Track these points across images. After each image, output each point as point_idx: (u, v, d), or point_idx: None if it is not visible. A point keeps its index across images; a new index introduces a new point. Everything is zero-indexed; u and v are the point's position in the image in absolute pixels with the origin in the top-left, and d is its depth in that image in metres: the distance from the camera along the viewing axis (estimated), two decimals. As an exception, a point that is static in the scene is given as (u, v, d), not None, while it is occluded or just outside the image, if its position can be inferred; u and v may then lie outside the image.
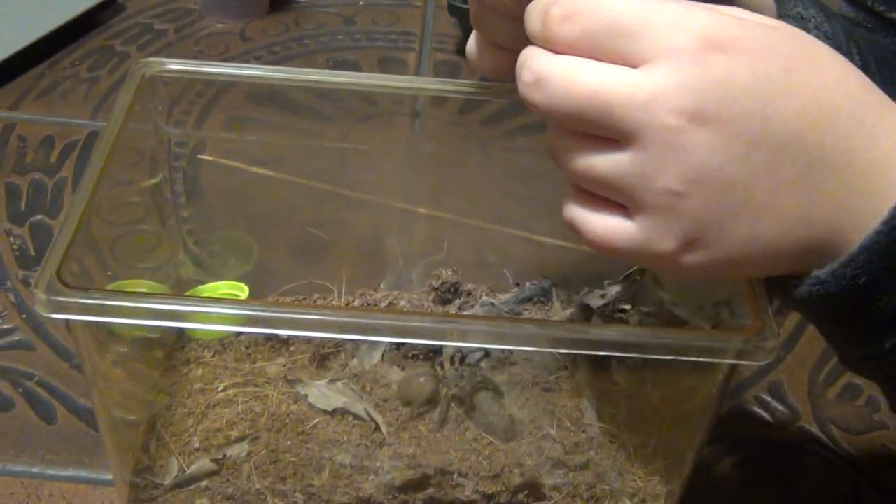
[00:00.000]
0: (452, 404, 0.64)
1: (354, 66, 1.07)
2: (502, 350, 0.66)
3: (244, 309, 0.51)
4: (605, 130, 0.43)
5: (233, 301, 0.51)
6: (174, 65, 0.66)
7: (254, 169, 0.87)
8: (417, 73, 1.07)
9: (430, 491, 0.61)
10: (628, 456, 0.64)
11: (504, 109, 0.96)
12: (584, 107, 0.42)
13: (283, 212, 0.81)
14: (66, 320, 0.54)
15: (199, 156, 0.90)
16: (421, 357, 0.67)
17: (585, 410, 0.65)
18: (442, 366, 0.65)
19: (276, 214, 0.81)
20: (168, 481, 0.62)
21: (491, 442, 0.63)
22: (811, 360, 0.81)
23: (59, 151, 0.93)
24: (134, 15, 1.11)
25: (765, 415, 0.76)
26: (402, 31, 1.13)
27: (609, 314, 0.73)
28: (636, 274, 0.75)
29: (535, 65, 0.43)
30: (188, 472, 0.62)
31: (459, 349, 0.65)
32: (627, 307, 0.74)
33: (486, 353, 0.66)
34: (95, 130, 0.94)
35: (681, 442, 0.63)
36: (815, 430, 0.76)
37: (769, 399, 0.77)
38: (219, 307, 0.51)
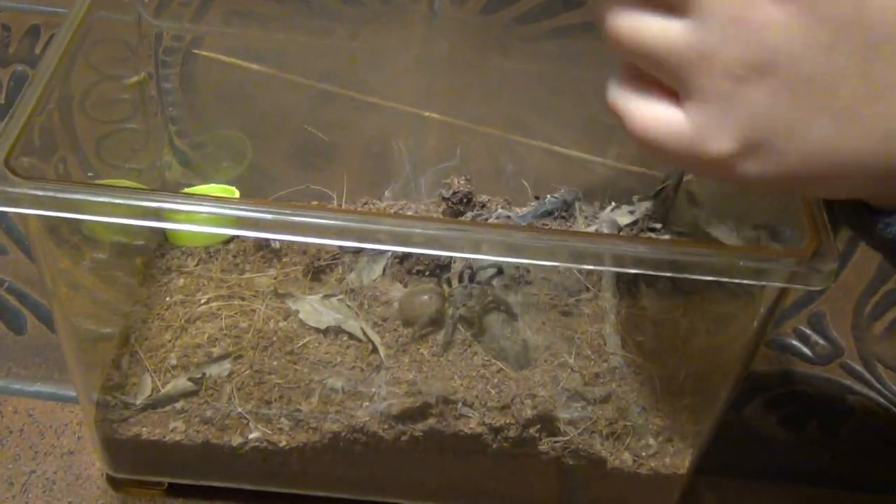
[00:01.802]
0: (459, 326, 0.57)
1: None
2: (517, 266, 0.59)
3: (227, 208, 0.44)
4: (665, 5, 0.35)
5: (214, 198, 0.44)
6: (158, -63, 0.59)
7: (253, 66, 0.79)
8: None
9: (431, 422, 0.54)
10: (654, 390, 0.57)
11: (530, 11, 0.88)
12: None
13: (282, 113, 0.74)
14: (21, 216, 0.48)
15: (194, 51, 0.83)
16: (426, 273, 0.60)
17: (608, 338, 0.58)
18: (449, 283, 0.58)
19: (274, 115, 0.74)
20: (140, 401, 0.56)
21: (501, 369, 0.56)
22: (856, 291, 0.74)
23: (44, 42, 0.86)
24: None
25: (804, 349, 0.69)
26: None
27: (638, 231, 0.66)
28: (669, 189, 0.67)
29: None
30: (163, 391, 0.56)
31: (469, 265, 0.58)
32: (658, 226, 0.67)
33: (499, 270, 0.59)
34: (85, 22, 0.87)
35: (714, 377, 0.56)
36: (858, 367, 0.69)
37: (809, 332, 0.71)
38: (198, 205, 0.44)
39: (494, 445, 0.55)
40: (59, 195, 0.44)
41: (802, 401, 0.66)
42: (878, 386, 0.67)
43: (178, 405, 0.56)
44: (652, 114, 0.38)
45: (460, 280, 0.58)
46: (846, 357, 0.69)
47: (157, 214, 0.44)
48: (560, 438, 0.54)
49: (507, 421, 0.54)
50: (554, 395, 0.55)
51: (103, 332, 0.59)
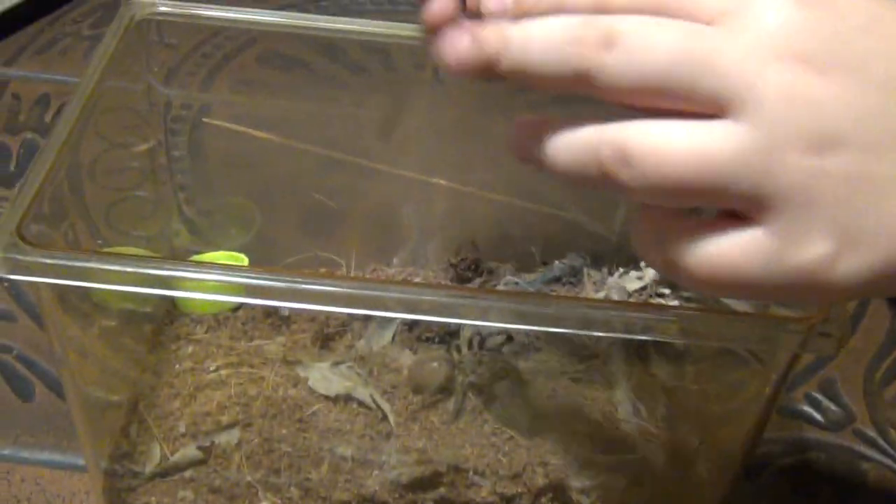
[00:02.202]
0: (469, 393, 0.57)
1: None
2: (527, 334, 0.59)
3: (236, 276, 0.44)
4: (698, 104, 0.32)
5: (223, 266, 0.44)
6: (166, 6, 0.60)
7: (261, 134, 0.80)
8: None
9: (442, 490, 0.54)
10: (667, 457, 0.57)
11: (534, 78, 0.89)
12: (667, 70, 0.32)
13: (289, 180, 0.74)
14: (32, 284, 0.48)
15: (203, 119, 0.84)
16: (436, 340, 0.60)
17: (619, 405, 0.58)
18: (458, 350, 0.58)
19: (282, 183, 0.74)
20: (149, 469, 0.56)
21: (511, 437, 0.56)
22: (866, 357, 0.73)
23: (54, 111, 0.87)
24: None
25: (816, 415, 0.69)
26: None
27: (647, 298, 0.66)
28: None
29: (601, 23, 0.33)
30: (171, 459, 0.56)
31: (478, 332, 0.58)
32: (667, 291, 0.67)
33: (509, 337, 0.59)
34: (94, 90, 0.87)
35: (728, 444, 0.56)
36: (871, 432, 0.68)
37: (821, 398, 0.70)
38: (207, 273, 0.44)
39: (506, 515, 0.54)
40: (70, 263, 0.44)
41: (816, 468, 0.66)
42: (892, 452, 0.67)
43: (187, 474, 0.56)
44: (719, 251, 0.33)
45: (470, 347, 0.58)
46: (858, 423, 0.69)
47: (167, 283, 0.44)
48: (572, 506, 0.54)
49: (519, 490, 0.54)
50: (566, 464, 0.54)
51: (112, 399, 0.59)
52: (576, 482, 0.54)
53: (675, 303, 0.66)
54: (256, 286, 0.43)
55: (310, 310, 0.59)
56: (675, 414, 0.58)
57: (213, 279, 0.44)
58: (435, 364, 0.57)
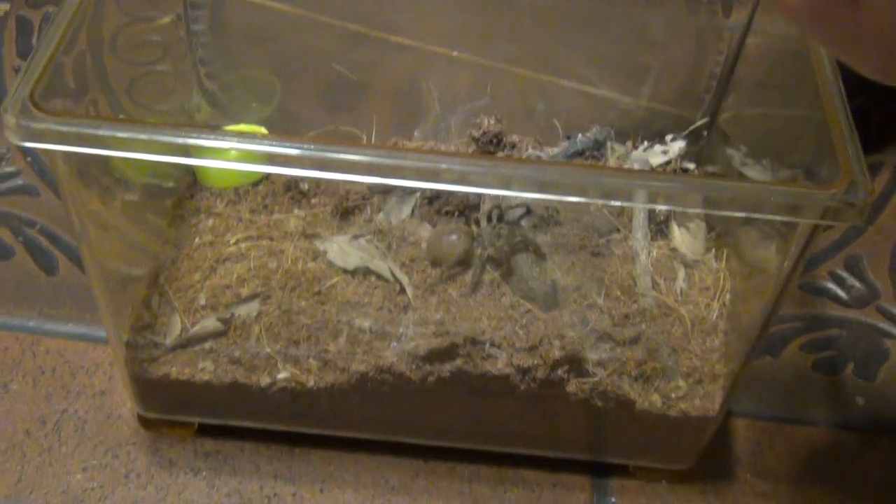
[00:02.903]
0: (487, 266, 0.57)
1: None
2: (546, 206, 0.59)
3: (257, 144, 0.43)
4: None
5: (243, 135, 0.43)
6: None
7: (282, 6, 0.79)
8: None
9: (458, 362, 0.54)
10: (685, 331, 0.56)
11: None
12: None
13: (311, 53, 0.73)
14: (50, 156, 0.48)
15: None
16: (455, 214, 0.59)
17: (638, 279, 0.58)
18: (478, 223, 0.58)
19: (303, 56, 0.73)
20: (169, 341, 0.56)
21: (529, 310, 0.55)
22: (894, 235, 0.72)
23: (75, -16, 0.85)
24: None
25: (840, 292, 0.68)
26: None
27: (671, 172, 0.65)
28: (702, 128, 0.66)
29: None
30: (192, 331, 0.56)
31: (497, 205, 0.58)
32: (692, 166, 0.66)
33: (528, 210, 0.58)
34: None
35: (744, 317, 0.56)
36: (895, 309, 0.68)
37: (845, 275, 0.69)
38: (225, 140, 0.43)
39: (522, 387, 0.54)
40: (85, 130, 0.43)
41: (838, 345, 0.65)
42: (916, 329, 0.66)
43: (207, 345, 0.56)
44: None
45: (489, 220, 0.57)
46: (882, 300, 0.68)
47: (188, 151, 0.43)
48: (588, 379, 0.54)
49: (535, 362, 0.54)
50: (583, 337, 0.54)
51: (133, 273, 0.59)
52: (592, 355, 0.54)
53: (700, 177, 0.65)
54: (277, 154, 0.43)
55: (329, 178, 0.58)
56: (694, 288, 0.58)
57: (233, 146, 0.43)
58: (454, 237, 0.57)
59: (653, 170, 0.63)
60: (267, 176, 0.64)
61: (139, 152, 0.44)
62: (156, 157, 0.44)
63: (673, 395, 0.55)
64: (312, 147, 0.43)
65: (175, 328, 0.57)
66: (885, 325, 0.67)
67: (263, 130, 0.67)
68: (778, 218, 0.44)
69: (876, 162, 0.76)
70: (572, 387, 0.54)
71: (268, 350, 0.56)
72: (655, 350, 0.55)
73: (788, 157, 0.56)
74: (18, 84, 0.45)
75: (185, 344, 0.56)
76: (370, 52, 0.74)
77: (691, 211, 0.61)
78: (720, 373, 0.55)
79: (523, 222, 0.58)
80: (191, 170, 0.64)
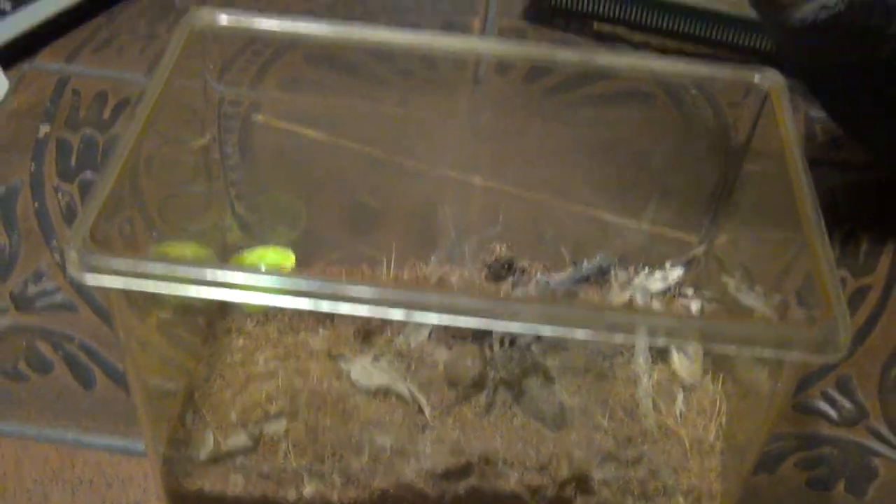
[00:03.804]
0: (500, 388, 0.61)
1: (417, 29, 1.03)
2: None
3: (287, 280, 0.48)
4: None
5: (276, 272, 0.48)
6: (226, 18, 0.63)
7: (307, 132, 0.84)
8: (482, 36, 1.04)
9: (473, 480, 0.58)
10: (684, 451, 0.60)
11: (569, 79, 0.92)
12: None
13: (334, 178, 0.79)
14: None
15: (253, 116, 0.88)
16: (469, 337, 0.64)
17: (641, 401, 0.62)
18: (491, 347, 0.62)
19: (327, 180, 0.79)
20: (203, 455, 0.60)
21: (539, 430, 0.59)
22: (883, 355, 0.77)
23: (112, 107, 0.91)
24: (196, -31, 1.09)
25: (831, 411, 0.72)
26: (467, -6, 1.10)
27: (670, 298, 0.69)
28: (699, 257, 0.71)
29: None
30: (224, 447, 0.60)
31: (509, 331, 0.62)
32: (689, 292, 0.70)
33: (538, 336, 0.62)
34: (149, 87, 0.92)
35: (741, 439, 0.60)
36: (883, 429, 0.71)
37: (836, 395, 0.73)
38: (262, 277, 0.48)
39: None
40: (136, 268, 0.48)
41: (830, 462, 0.69)
42: (903, 448, 0.70)
43: (238, 461, 0.60)
44: None
45: (501, 345, 0.62)
46: (871, 419, 0.72)
47: (223, 284, 0.48)
48: (593, 497, 0.58)
49: (545, 481, 0.58)
50: (589, 456, 0.58)
51: (169, 388, 0.63)
52: (598, 474, 0.58)
53: (697, 302, 0.69)
54: (300, 289, 0.47)
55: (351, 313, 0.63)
56: (693, 410, 0.62)
57: (263, 284, 0.48)
58: (469, 360, 0.61)
59: (653, 297, 0.67)
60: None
61: (183, 285, 0.48)
62: (199, 294, 0.48)
63: (673, 513, 0.59)
64: (334, 283, 0.47)
65: (208, 443, 0.61)
66: (873, 444, 0.70)
67: (290, 253, 0.72)
68: (764, 352, 0.48)
69: (865, 285, 0.80)
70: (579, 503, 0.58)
71: (294, 465, 0.60)
72: (657, 470, 0.59)
73: (780, 283, 0.61)
74: (80, 221, 0.49)
75: (217, 459, 0.60)
76: (390, 177, 0.79)
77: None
78: (717, 491, 0.59)
79: (533, 347, 0.62)
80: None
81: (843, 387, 0.74)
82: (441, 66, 0.87)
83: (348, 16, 1.05)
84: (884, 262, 0.83)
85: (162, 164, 0.68)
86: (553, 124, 0.87)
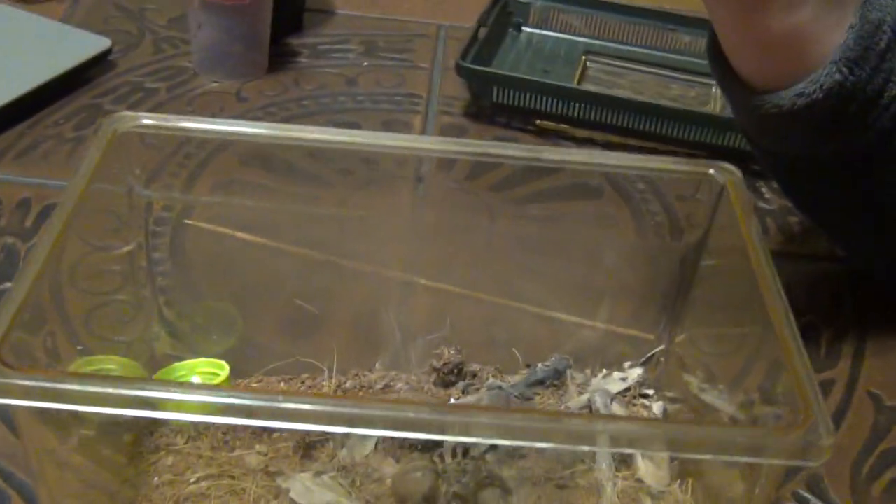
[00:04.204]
0: (454, 502, 0.56)
1: (357, 128, 1.00)
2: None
3: (220, 397, 0.44)
4: None
5: (204, 387, 0.44)
6: (150, 120, 0.60)
7: (242, 235, 0.80)
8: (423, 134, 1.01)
9: None
10: (654, 565, 0.56)
11: (514, 175, 0.89)
12: None
13: (271, 282, 0.74)
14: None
15: (184, 220, 0.84)
16: (419, 448, 0.59)
17: (605, 511, 0.57)
18: (442, 458, 0.58)
19: (264, 285, 0.74)
20: (127, 589, 0.55)
21: (497, 547, 0.55)
22: (852, 453, 0.73)
23: (35, 215, 0.86)
24: (125, 73, 1.05)
25: (804, 514, 0.68)
26: (407, 93, 1.07)
27: (630, 399, 0.66)
28: (659, 355, 0.68)
29: None
30: (151, 578, 0.55)
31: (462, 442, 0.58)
32: (650, 392, 0.66)
33: (493, 444, 0.58)
34: (76, 193, 0.87)
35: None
36: (860, 532, 0.68)
37: (808, 495, 0.69)
38: (188, 394, 0.44)
39: None
40: (50, 385, 0.43)
41: (806, 569, 0.65)
42: (882, 551, 0.66)
43: (168, 593, 0.55)
44: None
45: (454, 456, 0.57)
46: (846, 521, 0.68)
47: (149, 403, 0.44)
48: None
49: None
50: (553, 574, 0.53)
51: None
52: None
53: (659, 404, 0.66)
54: (237, 406, 0.43)
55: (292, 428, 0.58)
56: (662, 521, 0.58)
57: (194, 400, 0.44)
58: (418, 474, 0.56)
59: (613, 399, 0.63)
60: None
61: (103, 406, 0.44)
62: (123, 412, 0.44)
63: None
64: (272, 399, 0.43)
65: (133, 575, 0.55)
66: (852, 549, 0.66)
67: (224, 364, 0.67)
68: (742, 459, 0.45)
69: (827, 380, 0.77)
70: None
71: None
72: (627, 586, 0.54)
73: (744, 380, 0.57)
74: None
75: (143, 592, 0.55)
76: (330, 280, 0.75)
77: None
78: None
79: (488, 456, 0.57)
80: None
81: (815, 487, 0.70)
82: (382, 165, 0.83)
83: (284, 118, 1.02)
84: (846, 355, 0.80)
85: (86, 272, 0.64)
86: (500, 221, 0.84)
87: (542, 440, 0.44)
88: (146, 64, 1.08)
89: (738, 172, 0.60)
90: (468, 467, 0.56)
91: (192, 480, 0.59)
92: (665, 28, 1.12)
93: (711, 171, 0.60)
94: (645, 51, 1.13)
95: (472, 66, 0.99)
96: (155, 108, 1.01)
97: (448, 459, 0.57)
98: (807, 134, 0.62)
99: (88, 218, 0.59)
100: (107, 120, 0.60)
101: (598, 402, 0.63)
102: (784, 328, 0.49)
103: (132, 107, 1.01)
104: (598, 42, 1.14)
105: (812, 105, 0.60)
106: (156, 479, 0.60)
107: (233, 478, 0.59)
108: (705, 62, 0.68)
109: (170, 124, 0.60)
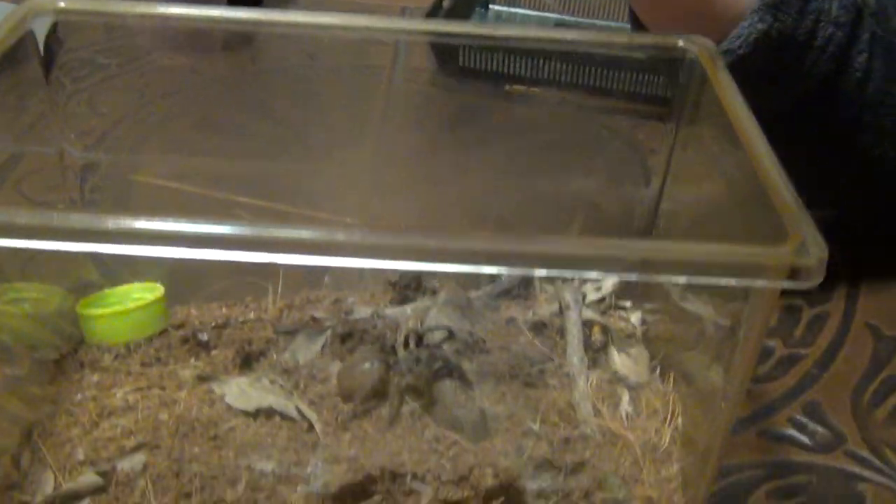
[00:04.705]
0: (406, 396, 0.50)
1: (317, 97, 0.95)
2: (470, 332, 0.53)
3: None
4: None
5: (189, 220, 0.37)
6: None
7: (188, 188, 0.75)
8: (387, 103, 0.96)
9: (376, 499, 0.46)
10: (634, 459, 0.49)
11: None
12: None
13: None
14: None
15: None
16: (369, 343, 0.53)
17: (578, 406, 0.51)
18: (394, 350, 0.52)
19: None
20: (39, 499, 0.48)
21: (456, 441, 0.48)
22: (852, 381, 0.67)
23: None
24: (75, 49, 1.01)
25: (802, 437, 0.62)
26: (369, 65, 1.02)
27: (605, 311, 0.60)
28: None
29: None
30: (66, 487, 0.48)
31: (415, 328, 0.52)
32: (627, 304, 0.61)
33: (450, 333, 0.52)
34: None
35: (701, 442, 0.49)
36: (865, 453, 0.61)
37: (806, 420, 0.63)
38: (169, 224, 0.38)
39: (452, 527, 0.46)
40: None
41: (808, 492, 0.58)
42: (889, 471, 0.60)
43: (84, 503, 0.48)
44: None
45: (406, 345, 0.51)
46: (850, 444, 0.62)
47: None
48: (528, 513, 0.47)
49: (466, 493, 0.46)
50: (519, 465, 0.47)
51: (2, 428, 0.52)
52: (532, 484, 0.47)
53: (637, 314, 0.60)
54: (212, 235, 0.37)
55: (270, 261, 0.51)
56: (641, 412, 0.52)
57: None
58: (366, 365, 0.50)
59: (588, 307, 0.57)
60: (165, 330, 0.58)
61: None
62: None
63: (628, 532, 0.48)
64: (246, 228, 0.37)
65: (47, 485, 0.49)
66: (856, 469, 0.60)
67: (158, 285, 0.61)
68: (727, 281, 0.39)
69: (822, 312, 0.72)
70: (510, 524, 0.47)
71: (154, 504, 0.48)
72: (603, 479, 0.48)
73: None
74: None
75: (57, 502, 0.48)
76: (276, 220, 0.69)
77: (631, 323, 0.55)
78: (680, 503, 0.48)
79: (445, 346, 0.51)
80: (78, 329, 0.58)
81: (813, 412, 0.64)
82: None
83: (243, 90, 0.97)
84: (840, 292, 0.74)
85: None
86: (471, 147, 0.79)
87: (516, 264, 0.38)
88: (97, 41, 1.03)
89: (711, 44, 0.55)
90: (422, 357, 0.50)
91: (118, 395, 0.53)
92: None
93: (681, 42, 0.55)
94: (617, 25, 1.09)
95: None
96: (106, 80, 0.96)
97: (400, 351, 0.51)
98: (747, 90, 0.58)
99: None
100: (19, 7, 0.54)
101: (572, 309, 0.57)
102: (760, 154, 0.44)
103: (78, 80, 0.96)
104: (569, 18, 1.10)
105: (743, 60, 0.56)
106: (78, 396, 0.53)
107: (163, 389, 0.53)
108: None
109: (91, 6, 0.55)
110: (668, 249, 0.38)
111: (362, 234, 0.37)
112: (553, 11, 1.11)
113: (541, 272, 0.39)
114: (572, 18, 1.10)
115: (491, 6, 1.11)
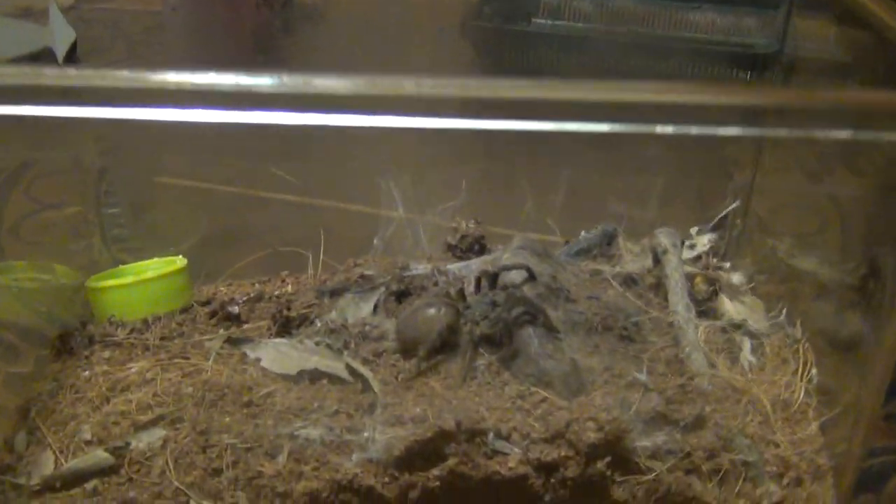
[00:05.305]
0: (480, 348, 0.41)
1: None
2: (554, 276, 0.44)
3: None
4: None
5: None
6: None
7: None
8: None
9: (451, 463, 0.37)
10: (765, 417, 0.40)
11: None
12: None
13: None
14: None
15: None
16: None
17: (689, 358, 0.42)
18: (463, 295, 0.43)
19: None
20: (36, 481, 0.39)
21: (545, 398, 0.39)
22: None
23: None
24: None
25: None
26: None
27: (703, 269, 0.51)
28: (734, 216, 0.53)
29: None
30: (68, 466, 0.39)
31: (487, 268, 0.43)
32: (727, 264, 0.52)
33: (531, 274, 0.43)
34: None
35: (844, 388, 0.40)
36: None
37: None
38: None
39: (547, 496, 0.37)
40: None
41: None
42: None
43: (91, 485, 0.39)
44: None
45: (478, 287, 0.42)
46: None
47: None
48: (642, 477, 0.37)
49: (563, 454, 0.37)
50: (627, 420, 0.38)
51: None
52: (643, 442, 0.37)
53: (738, 275, 0.51)
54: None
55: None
56: (771, 360, 0.43)
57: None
58: (431, 310, 0.41)
59: (684, 266, 0.48)
60: (190, 306, 0.50)
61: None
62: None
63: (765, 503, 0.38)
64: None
65: (46, 466, 0.40)
66: None
67: (181, 258, 0.52)
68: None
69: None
70: (620, 491, 0.37)
71: (177, 484, 0.39)
72: (729, 439, 0.39)
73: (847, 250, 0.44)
74: None
75: (58, 484, 0.39)
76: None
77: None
78: (826, 470, 0.39)
79: (525, 288, 0.43)
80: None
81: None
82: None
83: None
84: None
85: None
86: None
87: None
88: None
89: None
90: (499, 299, 0.41)
91: (133, 369, 0.44)
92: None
93: None
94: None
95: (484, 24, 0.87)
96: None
97: (471, 298, 0.42)
98: None
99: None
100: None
101: (671, 253, 0.48)
102: None
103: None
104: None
105: None
106: (87, 372, 0.45)
107: (187, 359, 0.44)
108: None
109: None
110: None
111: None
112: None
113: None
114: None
115: (534, 19, 1.04)
